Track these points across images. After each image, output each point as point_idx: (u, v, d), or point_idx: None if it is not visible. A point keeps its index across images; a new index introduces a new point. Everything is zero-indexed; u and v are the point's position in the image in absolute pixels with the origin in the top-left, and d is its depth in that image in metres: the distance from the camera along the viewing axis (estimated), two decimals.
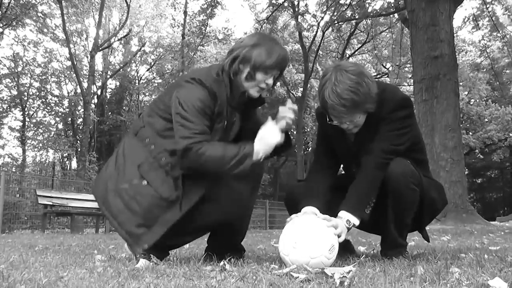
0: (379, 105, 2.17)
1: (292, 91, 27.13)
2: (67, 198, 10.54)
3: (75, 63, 22.16)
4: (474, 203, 38.02)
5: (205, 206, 2.11)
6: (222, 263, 1.81)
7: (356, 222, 2.09)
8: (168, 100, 2.17)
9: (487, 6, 17.73)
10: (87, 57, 25.86)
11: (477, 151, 31.74)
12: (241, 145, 2.08)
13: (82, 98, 21.82)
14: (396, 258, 2.20)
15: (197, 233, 2.29)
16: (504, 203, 40.02)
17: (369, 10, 18.33)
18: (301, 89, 25.12)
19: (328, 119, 2.19)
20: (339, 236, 2.00)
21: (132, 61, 30.16)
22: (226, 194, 2.14)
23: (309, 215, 2.10)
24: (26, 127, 26.13)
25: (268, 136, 2.10)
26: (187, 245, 3.14)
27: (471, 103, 30.74)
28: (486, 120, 30.85)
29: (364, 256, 2.05)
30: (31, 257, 2.61)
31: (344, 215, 2.09)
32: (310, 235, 1.93)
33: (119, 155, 2.24)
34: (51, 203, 9.78)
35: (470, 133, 31.55)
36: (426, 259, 2.20)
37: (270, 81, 2.21)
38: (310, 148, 33.31)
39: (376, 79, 2.39)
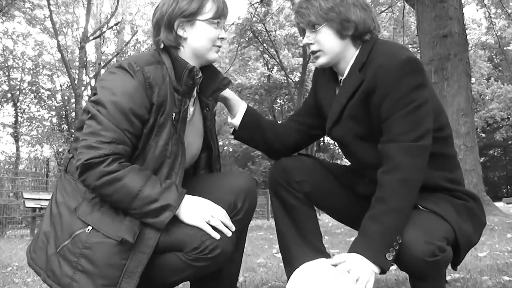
0: (373, 74, 1.58)
1: (290, 76, 26.57)
2: None
3: (67, 55, 21.66)
4: None
5: (177, 256, 1.55)
6: None
7: (376, 270, 1.46)
8: None
9: None
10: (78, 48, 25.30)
11: (479, 130, 31.42)
12: (170, 187, 1.52)
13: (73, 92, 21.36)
14: None
15: (172, 285, 1.75)
16: (507, 181, 39.77)
17: None
18: (299, 74, 24.54)
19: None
20: None
21: (126, 51, 29.61)
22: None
23: (324, 262, 1.51)
24: (19, 122, 25.65)
25: (205, 208, 1.56)
26: None
27: (473, 82, 30.21)
28: (487, 98, 30.36)
29: None
30: None
31: (358, 260, 1.46)
32: None
33: (52, 205, 1.63)
34: (39, 206, 9.24)
35: None
36: None
37: (223, 32, 1.67)
38: None
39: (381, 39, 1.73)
